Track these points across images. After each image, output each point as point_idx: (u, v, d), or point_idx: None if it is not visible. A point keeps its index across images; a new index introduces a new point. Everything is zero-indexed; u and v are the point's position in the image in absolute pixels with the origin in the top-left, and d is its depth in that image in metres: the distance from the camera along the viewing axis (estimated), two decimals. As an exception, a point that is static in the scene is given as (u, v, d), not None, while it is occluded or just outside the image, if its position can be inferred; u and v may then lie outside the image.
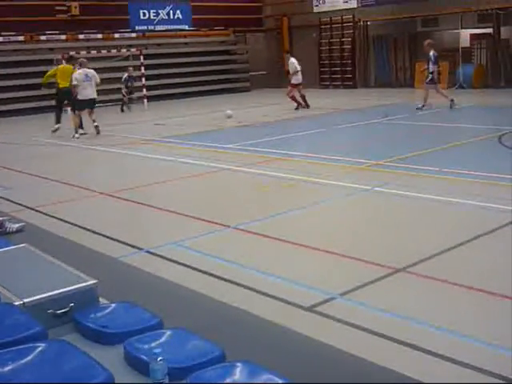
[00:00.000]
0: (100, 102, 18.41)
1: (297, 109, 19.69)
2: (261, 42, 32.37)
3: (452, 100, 17.13)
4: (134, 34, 27.40)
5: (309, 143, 13.07)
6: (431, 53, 17.49)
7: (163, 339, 2.72)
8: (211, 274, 5.44)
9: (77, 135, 15.48)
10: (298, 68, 19.87)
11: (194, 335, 2.77)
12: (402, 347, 3.98)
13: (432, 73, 17.38)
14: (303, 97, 19.91)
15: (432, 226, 6.78)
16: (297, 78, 19.83)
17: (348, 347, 3.76)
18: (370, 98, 23.11)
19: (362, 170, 9.85)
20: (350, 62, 29.68)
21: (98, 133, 15.61)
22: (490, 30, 25.72)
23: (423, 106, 17.40)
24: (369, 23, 29.05)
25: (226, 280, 5.30)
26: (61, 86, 16.04)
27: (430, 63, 17.41)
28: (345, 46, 29.91)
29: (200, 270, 5.57)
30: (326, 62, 30.66)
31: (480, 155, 10.73)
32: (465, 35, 27.13)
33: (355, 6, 29.45)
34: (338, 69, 30.16)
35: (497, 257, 5.64)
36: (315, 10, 31.04)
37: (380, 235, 6.49)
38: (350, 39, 29.54)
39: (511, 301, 4.59)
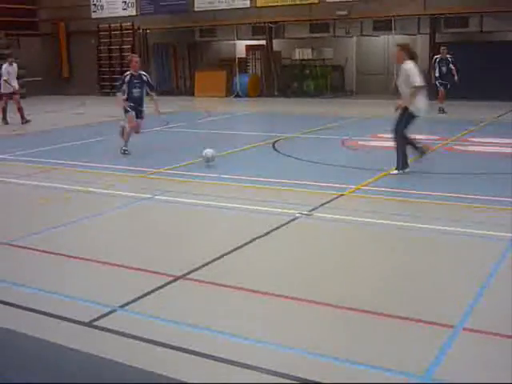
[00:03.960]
0: None
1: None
2: (36, 47, 30.92)
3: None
4: None
5: (90, 152, 12.73)
6: None
7: None
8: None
9: None
10: (4, 77, 17.92)
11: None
12: (185, 355, 4.01)
13: None
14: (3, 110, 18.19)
15: (211, 231, 6.94)
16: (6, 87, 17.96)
17: (129, 359, 3.70)
18: (152, 106, 23.13)
19: (143, 178, 9.82)
20: (130, 69, 29.49)
21: None
22: (263, 42, 27.11)
23: None
24: (148, 31, 29.11)
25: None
26: None
27: None
28: (125, 54, 29.61)
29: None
30: (106, 69, 30.19)
31: (257, 160, 11.24)
32: (241, 46, 28.34)
33: (134, 13, 29.38)
34: (119, 76, 29.73)
35: (272, 257, 5.93)
36: (93, 15, 30.43)
37: (160, 243, 6.50)
38: (129, 47, 29.36)
39: (292, 301, 4.83)
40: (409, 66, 9.27)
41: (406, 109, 9.41)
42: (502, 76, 21.97)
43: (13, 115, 17.92)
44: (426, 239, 6.48)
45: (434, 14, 23.81)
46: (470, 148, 12.45)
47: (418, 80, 9.18)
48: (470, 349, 4.04)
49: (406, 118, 9.46)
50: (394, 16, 24.51)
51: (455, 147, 12.53)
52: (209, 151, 10.40)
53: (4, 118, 18.22)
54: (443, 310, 4.64)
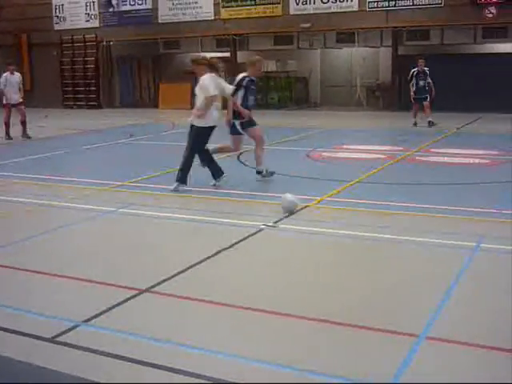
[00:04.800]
0: None
1: None
2: (-3, 59, 30.51)
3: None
4: None
5: (51, 165, 12.57)
6: None
7: None
8: None
9: None
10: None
11: None
12: (150, 369, 3.96)
13: None
14: None
15: (176, 243, 6.89)
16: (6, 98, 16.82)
17: (93, 375, 3.64)
18: (116, 119, 23.03)
19: (107, 191, 9.72)
20: (93, 81, 29.31)
21: None
22: (228, 54, 27.17)
23: None
24: (112, 43, 28.97)
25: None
26: None
27: None
28: (88, 66, 29.46)
29: None
30: (69, 81, 29.94)
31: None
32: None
33: (98, 25, 29.22)
34: (82, 89, 29.61)
35: (238, 269, 5.91)
36: (56, 27, 30.18)
37: (124, 256, 6.43)
38: (93, 59, 29.18)
39: (260, 313, 4.82)
40: (204, 78, 9.34)
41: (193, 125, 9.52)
42: (463, 87, 22.39)
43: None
44: (390, 249, 6.54)
45: (396, 27, 24.17)
46: (433, 158, 12.63)
47: (211, 90, 9.24)
48: (433, 357, 4.07)
49: (197, 134, 9.49)
50: (356, 29, 24.83)
51: (418, 158, 12.69)
52: (290, 199, 7.94)
53: (7, 134, 16.71)
54: (407, 320, 4.67)
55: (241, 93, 9.93)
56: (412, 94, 18.43)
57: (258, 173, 10.18)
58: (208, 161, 9.81)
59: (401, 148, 13.91)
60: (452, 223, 7.41)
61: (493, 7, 22.96)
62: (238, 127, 9.94)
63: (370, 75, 27.22)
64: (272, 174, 10.12)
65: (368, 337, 4.39)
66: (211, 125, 9.52)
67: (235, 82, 10.01)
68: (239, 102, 9.90)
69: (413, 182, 10.11)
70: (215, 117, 9.56)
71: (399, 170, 11.15)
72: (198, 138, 9.54)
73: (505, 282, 5.39)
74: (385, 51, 25.80)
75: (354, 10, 24.68)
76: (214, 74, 9.52)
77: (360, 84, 27.32)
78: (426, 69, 18.36)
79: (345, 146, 13.90)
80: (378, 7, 24.32)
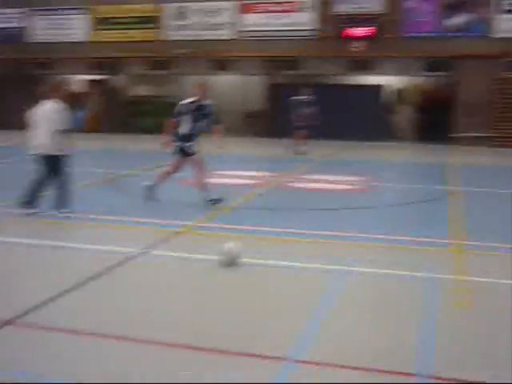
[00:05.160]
0: None
1: None
2: None
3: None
4: None
5: None
6: None
7: None
8: None
9: None
10: None
11: None
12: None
13: None
14: None
15: (39, 273, 6.55)
16: None
17: None
18: None
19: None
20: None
21: None
22: (102, 77, 26.72)
23: None
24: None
25: None
26: None
27: None
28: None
29: None
30: None
31: (92, 197, 10.87)
32: (80, 81, 27.72)
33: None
34: None
35: (105, 297, 5.71)
36: None
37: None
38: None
39: (124, 342, 4.66)
40: (50, 105, 9.03)
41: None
42: (333, 117, 23.13)
43: None
44: (259, 274, 6.56)
45: (270, 57, 24.83)
46: (306, 185, 12.94)
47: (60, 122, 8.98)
48: (303, 379, 4.10)
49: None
50: (232, 56, 25.25)
51: (290, 184, 12.97)
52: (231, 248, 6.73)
53: None
54: (274, 342, 4.67)
55: (187, 117, 9.87)
56: (295, 121, 18.42)
57: (209, 200, 9.98)
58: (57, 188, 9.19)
59: (275, 174, 14.17)
60: (322, 247, 7.59)
61: (360, 42, 24.16)
62: (185, 150, 9.93)
63: (245, 102, 27.67)
64: (218, 200, 9.98)
65: (230, 361, 4.35)
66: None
67: (183, 108, 9.95)
68: (188, 126, 9.86)
69: (285, 207, 10.29)
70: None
71: (273, 196, 11.33)
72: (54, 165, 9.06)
73: (370, 303, 5.57)
74: (259, 79, 26.38)
75: (229, 38, 25.14)
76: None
77: (233, 111, 27.66)
78: (310, 97, 18.49)
79: (218, 172, 13.95)
80: (252, 36, 24.90)
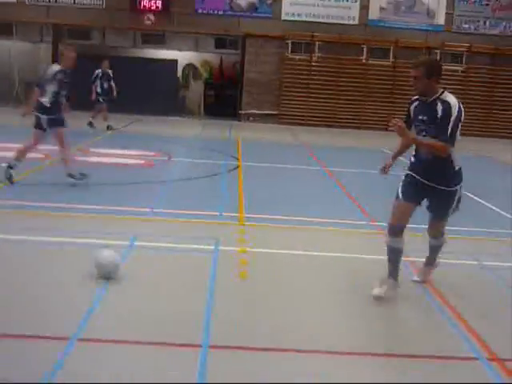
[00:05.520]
0: None
1: None
2: None
3: None
4: None
5: None
6: None
7: None
8: None
9: None
10: None
11: None
12: None
13: None
14: None
15: None
16: None
17: None
18: None
19: None
20: None
21: None
22: None
23: None
24: None
25: None
26: None
27: None
28: None
29: None
30: None
31: None
32: None
33: None
34: None
35: None
36: None
37: None
38: None
39: None
40: None
41: None
42: (123, 90, 22.62)
43: None
44: (17, 251, 6.32)
45: (57, 24, 23.71)
46: (93, 159, 12.61)
47: None
48: (89, 356, 4.04)
49: None
50: (15, 21, 23.71)
51: (77, 158, 12.54)
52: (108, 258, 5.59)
53: None
54: (60, 324, 4.56)
55: (52, 87, 9.10)
56: (98, 96, 17.90)
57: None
58: None
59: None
60: (109, 223, 7.49)
61: (152, 14, 23.99)
62: (43, 123, 9.19)
63: (31, 71, 26.18)
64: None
65: (12, 344, 4.18)
66: None
67: (47, 74, 9.22)
68: (48, 96, 9.08)
69: (67, 182, 9.94)
70: None
71: (56, 171, 10.90)
72: None
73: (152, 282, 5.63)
74: (46, 47, 25.09)
75: (14, 1, 23.56)
76: None
77: (19, 80, 26.09)
78: (109, 71, 18.03)
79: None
80: (39, 1, 23.56)
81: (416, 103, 5.37)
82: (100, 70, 18.06)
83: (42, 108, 9.23)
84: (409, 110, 5.43)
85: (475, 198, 10.21)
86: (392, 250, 5.44)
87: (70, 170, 9.54)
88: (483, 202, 10.23)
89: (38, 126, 9.33)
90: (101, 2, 23.65)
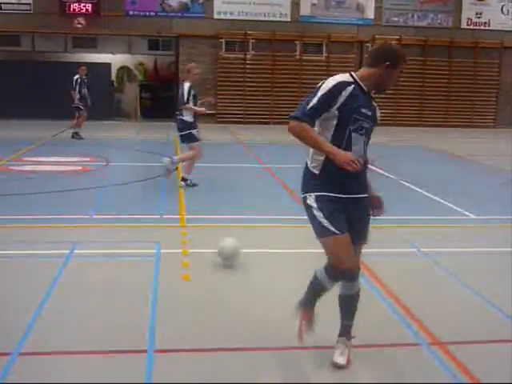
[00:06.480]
0: None
1: None
2: None
3: None
4: None
5: None
6: None
7: None
8: None
9: None
10: None
11: None
12: None
13: None
14: None
15: None
16: None
17: None
18: None
19: None
20: None
21: None
22: None
23: None
24: None
25: None
26: None
27: None
28: None
29: None
30: None
31: None
32: None
33: None
34: None
35: None
36: None
37: None
38: None
39: None
40: None
41: None
42: (53, 95, 22.06)
43: None
44: None
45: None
46: (28, 167, 12.34)
47: None
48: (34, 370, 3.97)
49: None
50: None
51: (11, 168, 12.28)
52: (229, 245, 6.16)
53: None
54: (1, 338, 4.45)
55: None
56: (77, 101, 17.73)
57: (184, 180, 10.45)
58: None
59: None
60: (48, 232, 7.35)
61: (82, 18, 23.58)
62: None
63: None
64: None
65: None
66: None
67: (186, 91, 10.06)
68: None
69: (6, 192, 9.73)
70: None
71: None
72: None
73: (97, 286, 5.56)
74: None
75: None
76: None
77: None
78: (84, 77, 17.89)
79: None
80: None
81: (352, 90, 3.83)
82: (78, 76, 17.84)
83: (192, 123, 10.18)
84: (336, 95, 3.79)
85: (408, 185, 10.48)
86: (347, 297, 4.21)
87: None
88: (416, 188, 10.49)
89: (194, 139, 10.31)
90: (28, 7, 23.11)
